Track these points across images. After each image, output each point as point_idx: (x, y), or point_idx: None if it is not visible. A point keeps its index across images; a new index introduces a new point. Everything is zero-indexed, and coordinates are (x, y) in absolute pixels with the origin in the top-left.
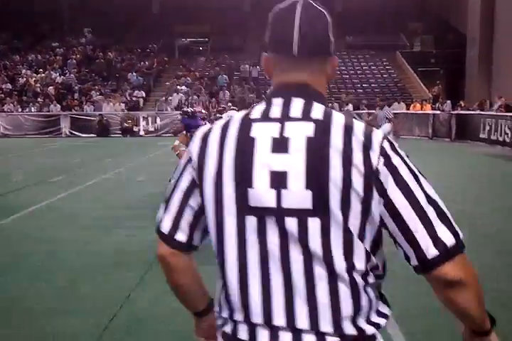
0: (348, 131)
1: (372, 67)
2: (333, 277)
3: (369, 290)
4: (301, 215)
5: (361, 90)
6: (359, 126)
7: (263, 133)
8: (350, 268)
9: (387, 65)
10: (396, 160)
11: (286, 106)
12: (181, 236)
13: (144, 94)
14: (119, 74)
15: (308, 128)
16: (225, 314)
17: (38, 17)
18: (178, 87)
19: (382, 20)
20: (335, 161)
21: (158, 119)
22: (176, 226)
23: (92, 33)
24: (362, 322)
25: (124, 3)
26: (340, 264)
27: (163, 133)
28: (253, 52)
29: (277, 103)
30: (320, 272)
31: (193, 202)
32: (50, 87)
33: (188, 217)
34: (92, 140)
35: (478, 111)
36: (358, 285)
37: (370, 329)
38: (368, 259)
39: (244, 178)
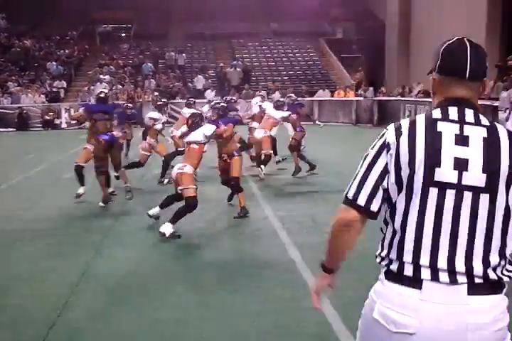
0: (510, 134)
1: (297, 54)
2: (490, 236)
3: (508, 250)
4: (476, 191)
5: (287, 77)
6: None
7: (447, 130)
8: (505, 232)
9: (311, 52)
10: None
11: (461, 114)
12: (375, 207)
13: (64, 85)
14: (37, 63)
15: (483, 131)
16: (393, 255)
17: None
18: (101, 76)
19: (306, 6)
20: (504, 155)
21: (81, 111)
22: (370, 200)
23: (5, 19)
24: (500, 272)
25: None
26: (498, 228)
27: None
28: (177, 39)
29: (453, 110)
30: (481, 231)
31: (385, 181)
32: None
33: (380, 193)
34: (11, 134)
35: (398, 97)
36: (506, 245)
37: (505, 279)
38: None
39: (433, 160)
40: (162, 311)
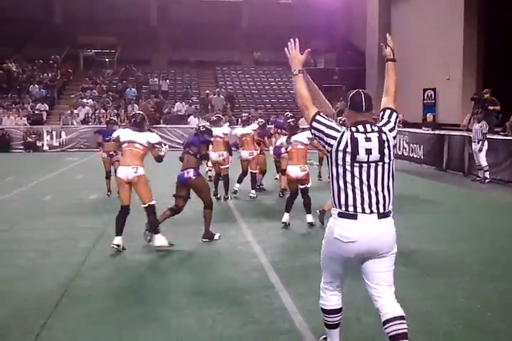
0: (385, 132)
1: (280, 83)
2: (384, 187)
3: (391, 194)
4: (377, 163)
5: (269, 105)
6: (387, 130)
7: (360, 136)
8: (392, 182)
9: (293, 81)
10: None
11: (364, 127)
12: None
13: (47, 107)
14: (20, 86)
15: (376, 134)
16: (342, 204)
17: None
18: (84, 100)
19: (287, 37)
20: (387, 144)
21: (63, 134)
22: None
23: None
24: (390, 207)
25: (23, 11)
26: (391, 180)
27: (69, 148)
28: (161, 65)
29: (360, 127)
30: (380, 184)
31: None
32: None
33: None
34: None
35: None
36: (391, 191)
37: (391, 209)
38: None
39: (355, 151)
40: (142, 333)
